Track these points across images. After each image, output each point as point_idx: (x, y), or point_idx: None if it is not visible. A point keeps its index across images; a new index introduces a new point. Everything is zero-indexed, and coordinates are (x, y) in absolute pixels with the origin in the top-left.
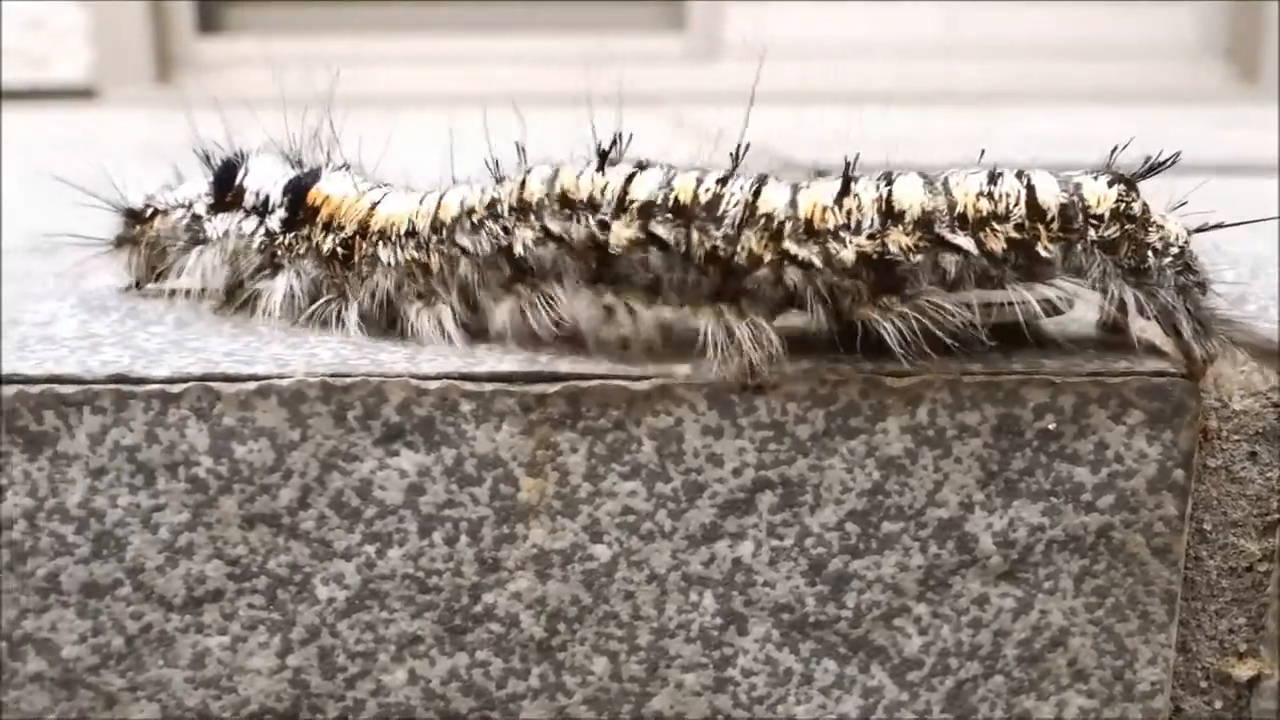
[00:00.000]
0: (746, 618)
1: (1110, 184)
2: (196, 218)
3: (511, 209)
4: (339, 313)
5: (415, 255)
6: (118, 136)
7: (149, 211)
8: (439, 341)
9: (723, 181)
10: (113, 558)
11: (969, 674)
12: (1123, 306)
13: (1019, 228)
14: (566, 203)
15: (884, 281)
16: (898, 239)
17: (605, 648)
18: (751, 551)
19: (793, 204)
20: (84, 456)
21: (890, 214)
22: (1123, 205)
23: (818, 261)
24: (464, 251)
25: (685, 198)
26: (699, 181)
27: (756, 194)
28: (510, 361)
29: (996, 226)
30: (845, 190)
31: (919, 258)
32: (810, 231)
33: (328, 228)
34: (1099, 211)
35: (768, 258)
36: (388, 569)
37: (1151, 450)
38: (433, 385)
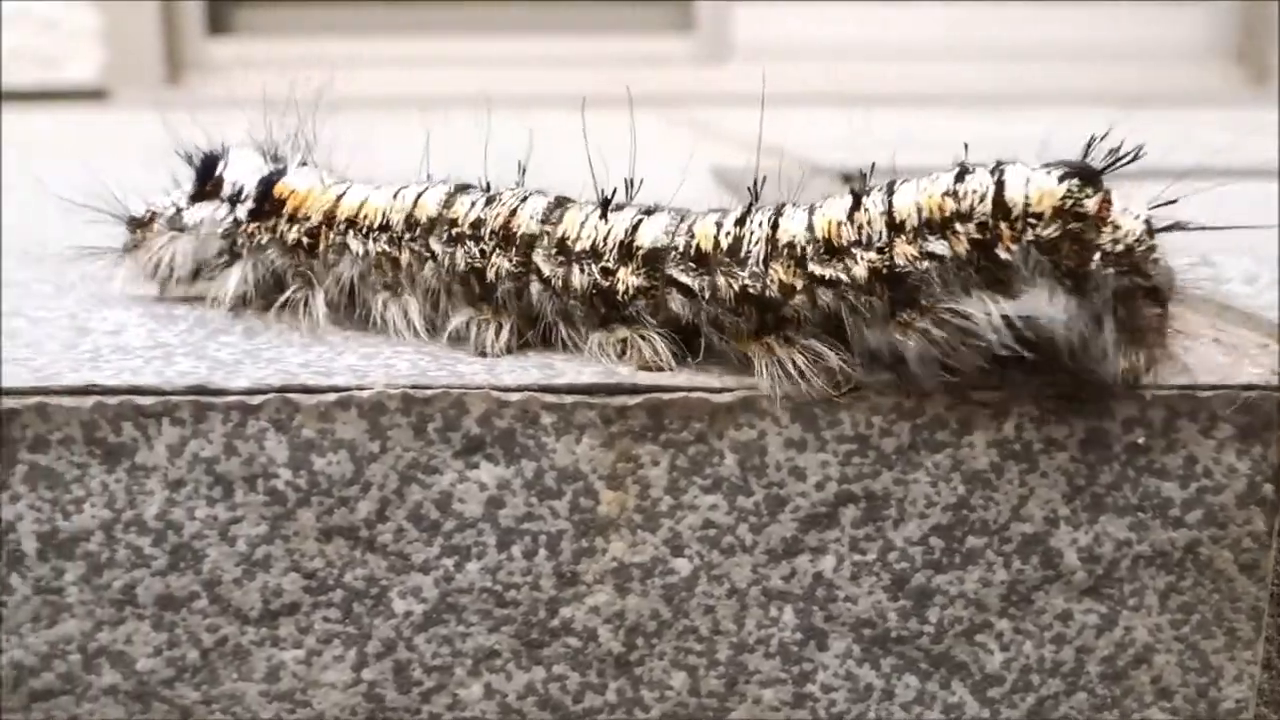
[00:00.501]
0: (827, 633)
1: (1061, 179)
2: (178, 210)
3: (493, 233)
4: (306, 300)
5: (386, 248)
6: (128, 137)
7: (149, 217)
8: (404, 333)
9: (740, 221)
10: (190, 570)
11: (1051, 691)
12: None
13: (982, 227)
14: (563, 248)
15: (898, 296)
16: (902, 249)
17: (684, 662)
18: (833, 566)
19: (810, 227)
20: (162, 468)
21: (893, 225)
22: (1070, 202)
23: (844, 277)
24: (433, 256)
25: (707, 245)
26: (719, 226)
27: (775, 226)
28: (590, 374)
29: (959, 227)
30: (856, 205)
31: (924, 265)
32: (831, 250)
33: (293, 219)
34: (1038, 209)
35: (799, 285)
36: (465, 582)
37: (1241, 465)
38: (514, 397)
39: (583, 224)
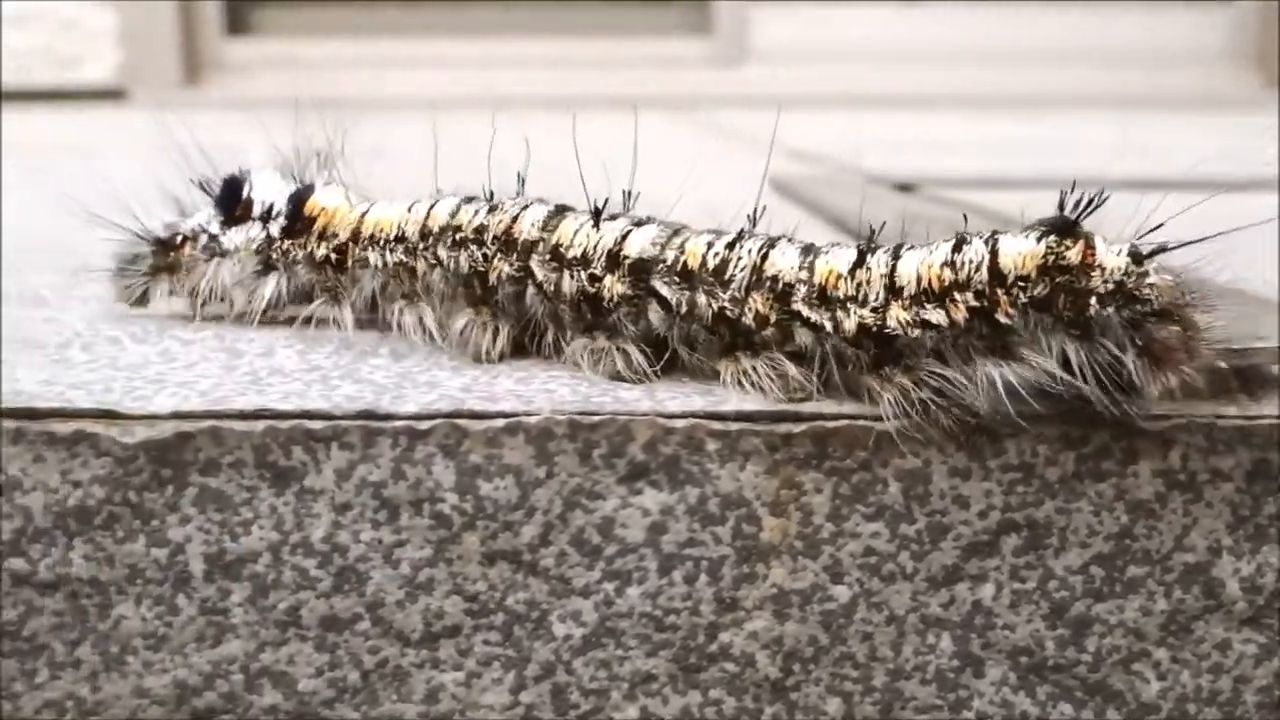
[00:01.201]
0: (984, 660)
1: (1039, 238)
2: (212, 236)
3: (496, 238)
4: (330, 312)
5: (403, 259)
6: (144, 138)
7: (179, 241)
8: (419, 338)
9: (731, 245)
10: (354, 592)
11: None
12: (1066, 362)
13: (979, 295)
14: (556, 254)
15: (885, 354)
16: (896, 314)
17: (840, 689)
18: (992, 594)
19: (808, 269)
20: (330, 491)
21: (892, 289)
22: (1052, 257)
23: (829, 326)
24: (440, 263)
25: (693, 262)
26: (709, 246)
27: (764, 257)
28: (754, 400)
29: (958, 296)
30: (860, 262)
31: (916, 332)
32: (823, 298)
33: (322, 236)
34: (1024, 271)
35: (774, 318)
36: (625, 607)
37: None
38: (679, 424)
39: (576, 232)
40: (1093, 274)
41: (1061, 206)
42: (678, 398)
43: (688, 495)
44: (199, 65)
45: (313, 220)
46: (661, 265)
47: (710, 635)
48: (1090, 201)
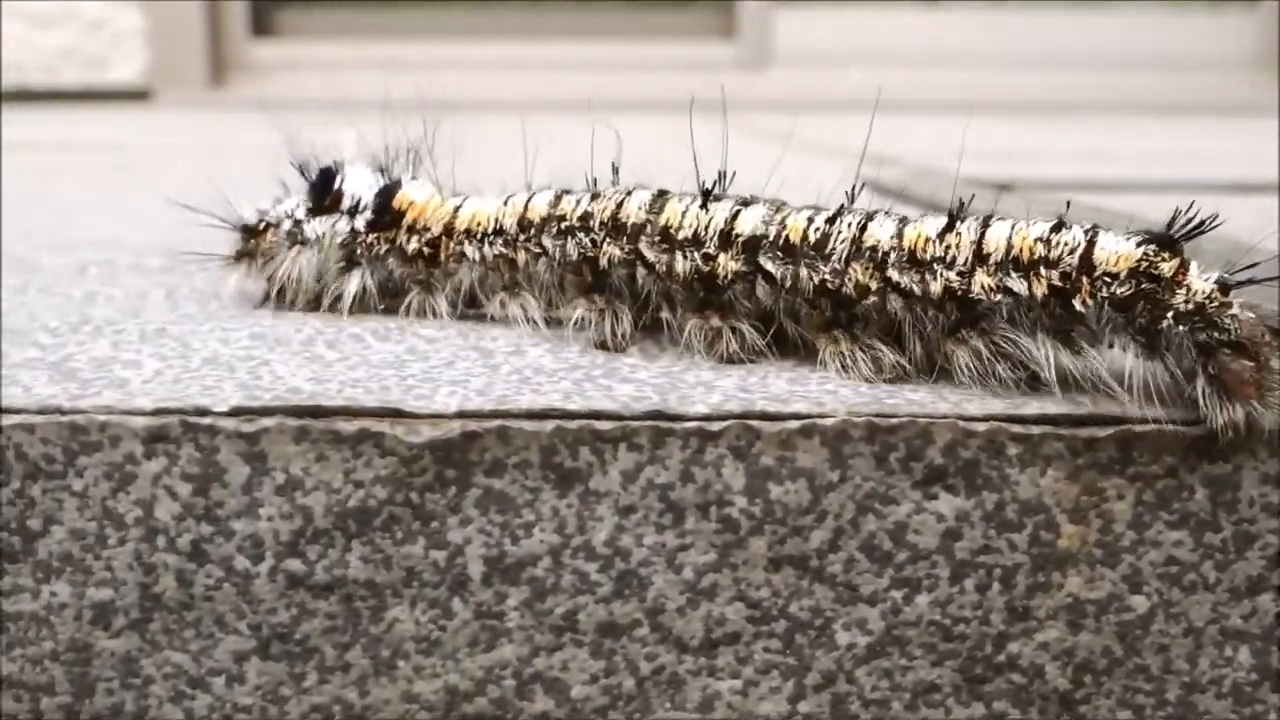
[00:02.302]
0: None
1: (1139, 244)
2: (297, 222)
3: (602, 224)
4: (425, 304)
5: (502, 251)
6: (171, 137)
7: (263, 226)
8: (524, 328)
9: (831, 220)
10: (634, 597)
11: None
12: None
13: (1065, 276)
14: (666, 236)
15: (965, 317)
16: (981, 279)
17: (1131, 701)
18: None
19: (898, 235)
20: (614, 494)
21: (979, 255)
22: (1145, 264)
23: (917, 290)
24: (544, 252)
25: (795, 237)
26: (810, 221)
27: (863, 229)
28: (1054, 403)
29: (1044, 271)
30: (950, 227)
31: (998, 297)
32: (913, 261)
33: (412, 230)
34: (1114, 269)
35: (874, 287)
36: (913, 615)
37: None
38: (980, 427)
39: (684, 213)
40: (1178, 291)
41: (1171, 223)
42: (975, 400)
43: (985, 501)
44: (224, 66)
45: (401, 214)
46: (766, 241)
47: (998, 645)
48: (1200, 224)
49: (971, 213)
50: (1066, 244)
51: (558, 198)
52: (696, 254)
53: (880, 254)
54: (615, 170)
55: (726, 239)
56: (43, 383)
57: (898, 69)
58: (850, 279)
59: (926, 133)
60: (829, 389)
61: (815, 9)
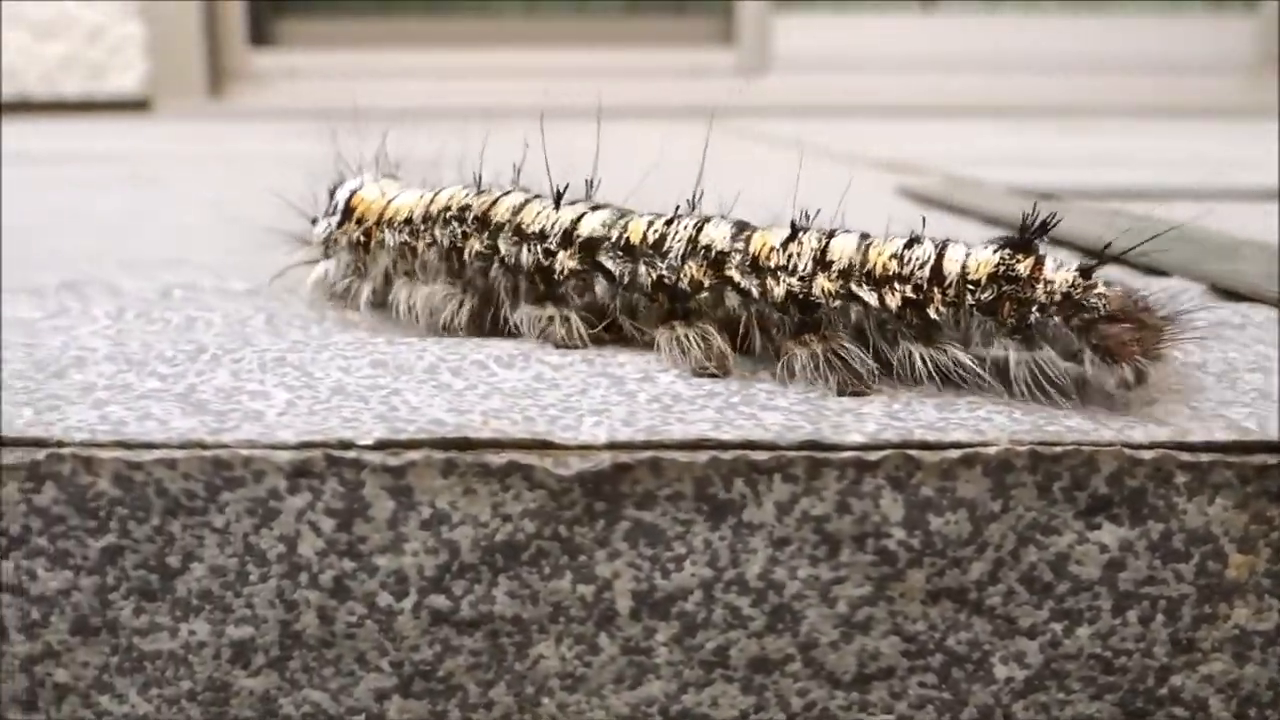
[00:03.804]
0: None
1: (995, 251)
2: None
3: (475, 218)
4: (354, 288)
5: (406, 239)
6: (182, 145)
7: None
8: (405, 317)
9: (669, 222)
10: (787, 632)
11: None
12: (1008, 362)
13: (917, 289)
14: (519, 231)
15: (808, 321)
16: (822, 284)
17: None
18: None
19: (742, 240)
20: (769, 526)
21: (821, 262)
22: (1003, 268)
23: (756, 292)
24: (434, 241)
25: (635, 238)
26: (649, 224)
27: (699, 230)
28: (1222, 430)
29: (898, 286)
30: (793, 237)
31: (838, 303)
32: (755, 266)
33: (359, 222)
34: (975, 277)
35: (708, 283)
36: (1073, 648)
37: None
38: (1147, 455)
39: (538, 213)
40: (1037, 286)
41: (1023, 227)
42: (1138, 426)
43: (1150, 530)
44: (224, 76)
45: (353, 210)
46: (607, 243)
47: (1161, 678)
48: (1044, 224)
49: (812, 226)
50: (918, 259)
51: (456, 193)
52: (539, 248)
53: (715, 253)
54: (517, 171)
55: (568, 239)
56: (176, 416)
57: (896, 74)
58: (686, 275)
59: (929, 137)
60: (982, 414)
61: (813, 15)
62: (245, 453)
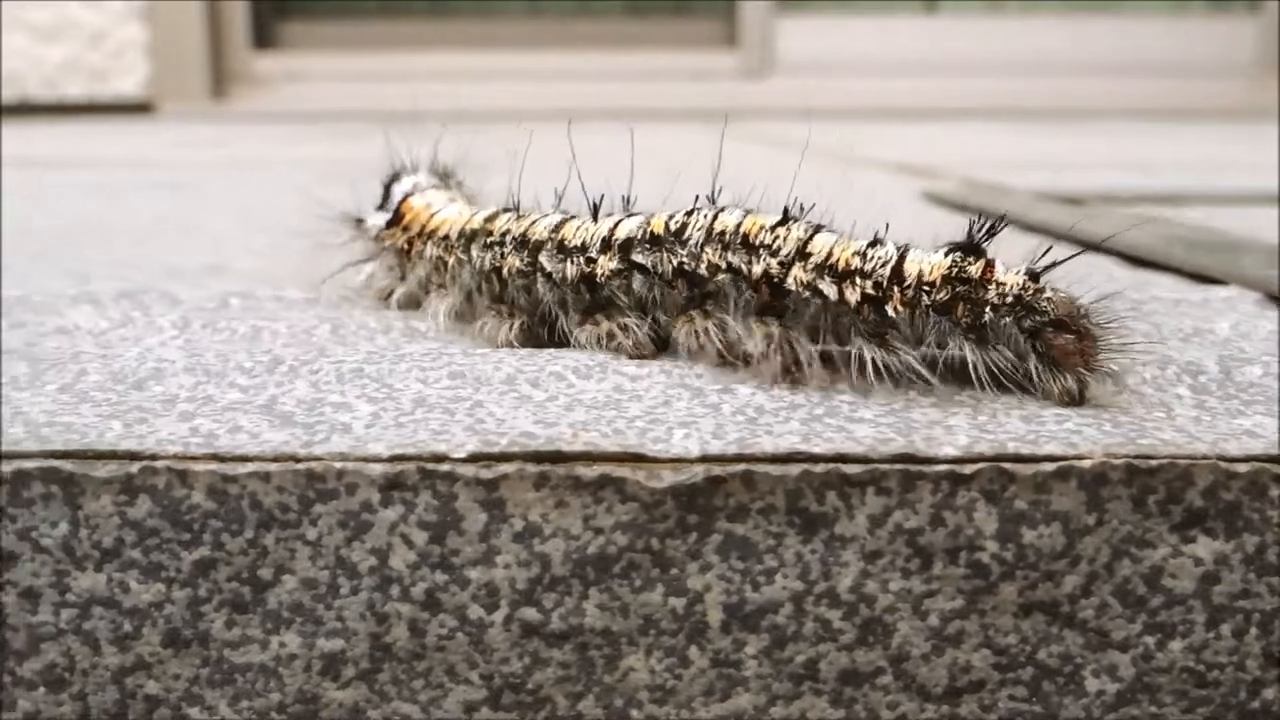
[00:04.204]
0: None
1: (948, 254)
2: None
3: (513, 239)
4: (393, 291)
5: (441, 254)
6: (195, 151)
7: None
8: (431, 323)
9: (690, 213)
10: (878, 645)
11: None
12: (966, 360)
13: (877, 286)
14: (561, 248)
15: (773, 302)
16: (797, 273)
17: None
18: None
19: (739, 224)
20: (861, 539)
21: (802, 252)
22: (955, 269)
23: (744, 270)
24: (469, 260)
25: (659, 229)
26: (670, 215)
27: (715, 218)
28: None
29: (858, 281)
30: (783, 221)
31: (806, 294)
32: (745, 244)
33: (405, 230)
34: (930, 278)
35: (723, 266)
36: (1166, 661)
37: None
38: (1242, 469)
39: (578, 228)
40: (989, 287)
41: (971, 232)
42: (1230, 439)
43: (1245, 543)
44: (226, 79)
45: (402, 216)
46: (638, 239)
47: (1253, 692)
48: (992, 228)
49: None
50: (879, 257)
51: (494, 214)
52: (581, 259)
53: (727, 237)
54: (558, 196)
55: (607, 244)
56: (265, 428)
57: (899, 77)
58: (704, 260)
59: (935, 140)
60: (1071, 426)
61: (816, 18)
62: (339, 465)
